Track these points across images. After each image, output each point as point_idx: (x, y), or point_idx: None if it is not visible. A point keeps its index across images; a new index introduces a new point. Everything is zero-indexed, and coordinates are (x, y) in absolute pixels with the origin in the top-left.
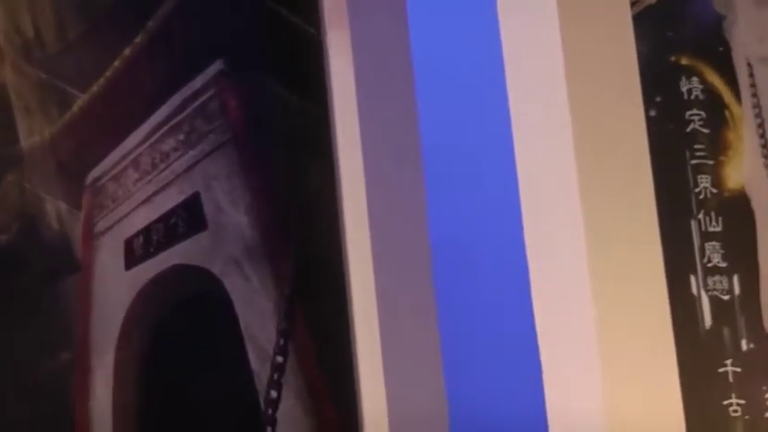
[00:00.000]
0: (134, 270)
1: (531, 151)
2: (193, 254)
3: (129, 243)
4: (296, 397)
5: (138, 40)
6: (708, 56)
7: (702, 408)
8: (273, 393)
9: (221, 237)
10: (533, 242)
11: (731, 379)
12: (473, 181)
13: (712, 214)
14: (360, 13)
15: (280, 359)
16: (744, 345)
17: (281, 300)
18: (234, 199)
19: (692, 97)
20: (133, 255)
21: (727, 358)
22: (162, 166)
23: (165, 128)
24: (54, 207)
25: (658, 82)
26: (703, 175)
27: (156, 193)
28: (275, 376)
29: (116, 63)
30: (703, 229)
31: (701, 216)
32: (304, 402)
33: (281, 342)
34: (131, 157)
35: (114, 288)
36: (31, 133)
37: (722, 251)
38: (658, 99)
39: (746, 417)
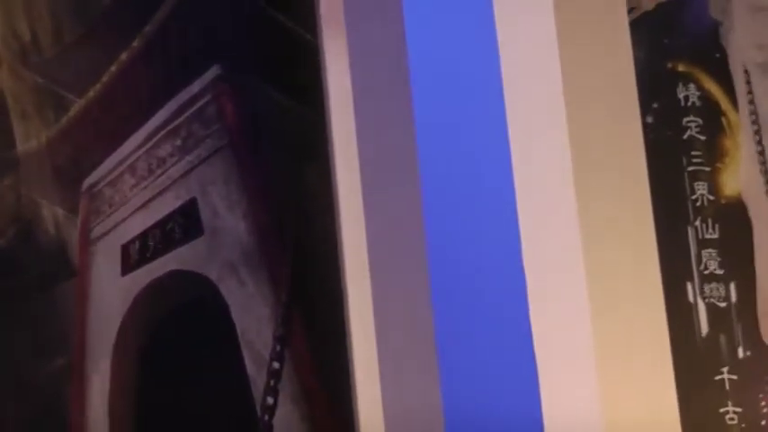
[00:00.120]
0: (130, 276)
1: (528, 157)
2: (190, 259)
3: (125, 248)
4: (292, 403)
5: (134, 44)
6: (705, 62)
7: (699, 415)
8: (270, 399)
9: (218, 242)
10: (530, 246)
11: (727, 386)
12: (470, 186)
13: (709, 221)
14: (356, 19)
15: (276, 365)
16: (740, 352)
17: (277, 305)
18: (230, 204)
19: (689, 104)
20: (129, 260)
21: (724, 366)
22: (159, 171)
23: (162, 133)
24: (50, 212)
25: (655, 88)
26: (700, 182)
27: (152, 198)
28: (272, 382)
29: (113, 68)
30: (700, 236)
31: (697, 223)
32: (300, 408)
33: (278, 348)
34: (128, 162)
35: (110, 294)
36: (28, 138)
37: (719, 258)
38: (655, 106)
39: (743, 425)
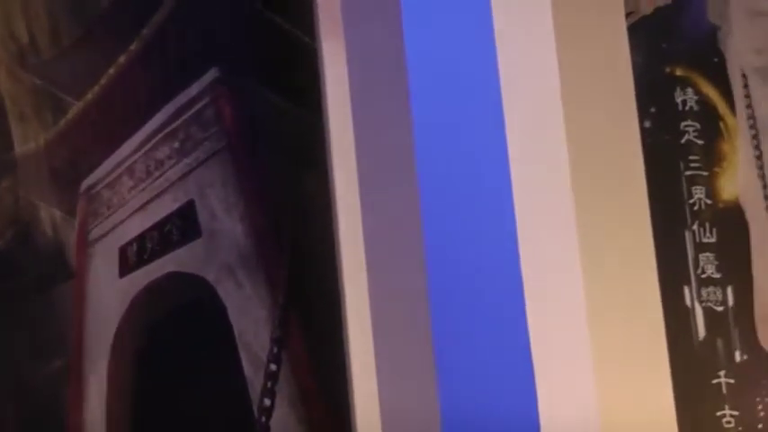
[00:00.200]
0: (128, 277)
1: (526, 160)
2: (188, 261)
3: (123, 250)
4: (289, 405)
5: (132, 47)
6: (702, 67)
7: (696, 419)
8: (267, 401)
9: (215, 244)
10: (527, 249)
11: (725, 390)
12: (467, 188)
13: (707, 225)
14: (355, 21)
15: (273, 367)
16: (737, 356)
17: (275, 307)
18: (228, 207)
19: (687, 108)
20: (127, 262)
21: (721, 370)
22: (157, 173)
23: (160, 135)
24: (48, 214)
25: (653, 93)
26: (698, 187)
27: (150, 200)
28: (269, 384)
29: (111, 70)
30: (697, 240)
31: (695, 227)
32: (297, 410)
33: (275, 350)
34: (126, 164)
35: (108, 295)
36: (26, 140)
37: (716, 262)
38: (653, 110)
39: (740, 428)
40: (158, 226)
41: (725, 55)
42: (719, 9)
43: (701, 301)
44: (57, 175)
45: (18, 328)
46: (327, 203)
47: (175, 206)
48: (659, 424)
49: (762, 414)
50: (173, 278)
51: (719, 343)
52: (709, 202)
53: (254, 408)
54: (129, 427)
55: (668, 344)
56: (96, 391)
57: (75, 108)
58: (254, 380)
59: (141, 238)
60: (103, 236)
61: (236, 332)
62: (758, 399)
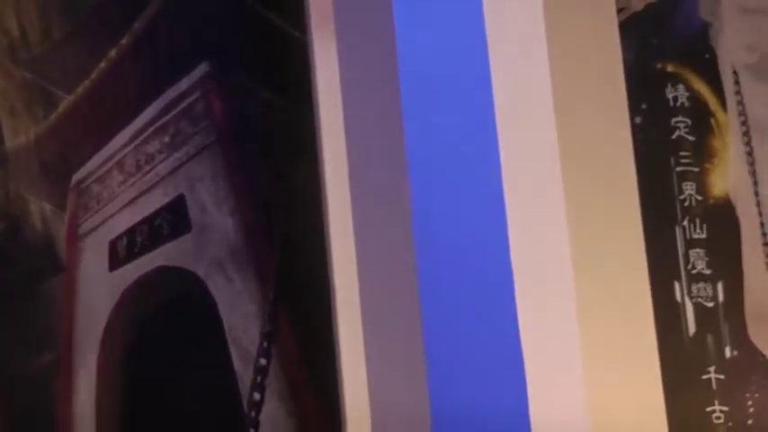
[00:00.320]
0: (118, 271)
1: (517, 157)
2: (178, 256)
3: (113, 245)
4: (279, 399)
5: (123, 41)
6: (694, 63)
7: (685, 414)
8: (256, 395)
9: (206, 239)
10: (517, 245)
11: (714, 386)
12: (458, 183)
13: (697, 221)
14: (346, 16)
15: (263, 361)
16: (727, 352)
17: (264, 302)
18: (218, 201)
19: (678, 104)
20: (117, 256)
21: (711, 365)
22: (147, 167)
23: (151, 130)
24: (38, 208)
25: (644, 89)
26: (688, 183)
27: (140, 194)
28: (258, 378)
29: (102, 64)
30: (688, 236)
31: (685, 223)
32: (287, 405)
33: (265, 344)
34: (116, 158)
35: (98, 289)
36: (17, 134)
37: (706, 258)
38: (644, 106)
39: (729, 424)
40: (148, 220)
41: (716, 51)
42: (711, 6)
43: (691, 297)
44: (47, 169)
45: (8, 321)
46: (317, 198)
47: (165, 200)
48: (649, 420)
49: (751, 410)
50: (162, 272)
51: (709, 339)
52: (699, 198)
53: (244, 402)
54: (119, 421)
55: (658, 339)
56: (86, 385)
57: (66, 102)
58: (244, 374)
59: (131, 232)
60: (93, 230)
61: (225, 327)
62: (748, 394)
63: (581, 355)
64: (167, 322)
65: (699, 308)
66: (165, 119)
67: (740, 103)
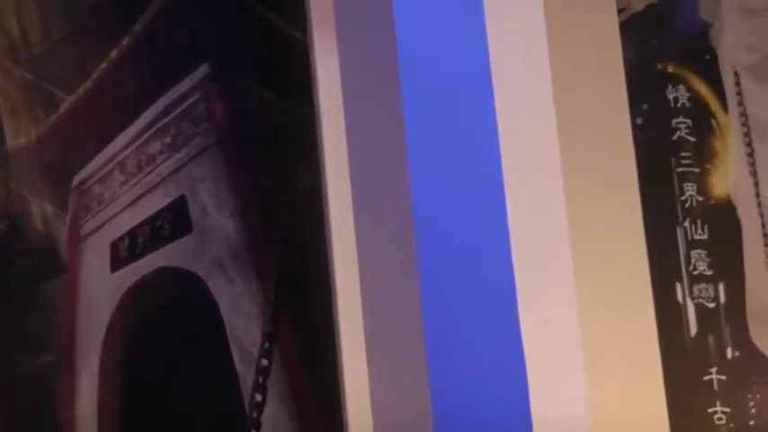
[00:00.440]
0: (120, 272)
1: (517, 157)
2: (179, 256)
3: (114, 245)
4: (280, 400)
5: (124, 42)
6: (694, 64)
7: (687, 415)
8: (258, 397)
9: (207, 240)
10: (519, 245)
11: (716, 387)
12: (459, 183)
13: (698, 222)
14: (346, 16)
15: (265, 362)
16: (729, 353)
17: (265, 303)
18: (219, 202)
19: (679, 105)
20: (119, 257)
21: (712, 366)
22: (148, 168)
23: (152, 131)
24: (39, 208)
25: (645, 90)
26: (689, 183)
27: (142, 195)
28: (260, 379)
29: (102, 65)
30: (689, 237)
31: (686, 224)
32: (288, 406)
33: (266, 345)
34: (117, 159)
35: (100, 290)
36: (18, 134)
37: (708, 259)
38: (645, 107)
39: (731, 425)
40: (150, 221)
41: (717, 52)
42: (711, 6)
43: (692, 298)
44: (48, 169)
45: (9, 322)
46: (319, 199)
47: (167, 201)
48: (651, 419)
49: (753, 411)
50: (164, 273)
51: (711, 339)
52: (700, 198)
53: (246, 403)
54: (121, 421)
55: (660, 340)
56: (88, 386)
57: (67, 103)
58: (246, 375)
59: (133, 233)
60: (95, 231)
61: (227, 327)
62: (749, 395)
63: (583, 356)
64: (169, 323)
65: (700, 309)
66: (165, 120)
67: (741, 103)
